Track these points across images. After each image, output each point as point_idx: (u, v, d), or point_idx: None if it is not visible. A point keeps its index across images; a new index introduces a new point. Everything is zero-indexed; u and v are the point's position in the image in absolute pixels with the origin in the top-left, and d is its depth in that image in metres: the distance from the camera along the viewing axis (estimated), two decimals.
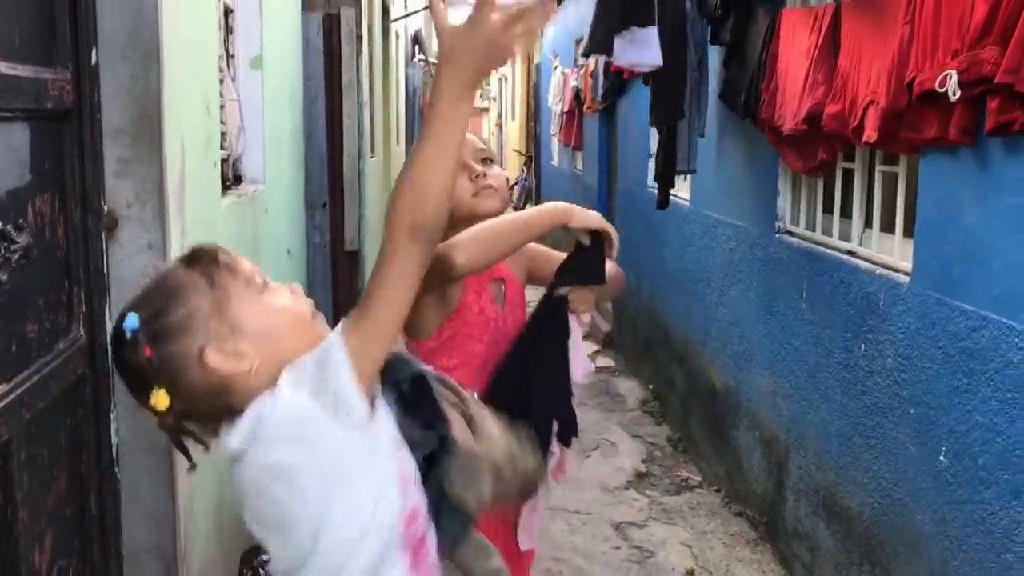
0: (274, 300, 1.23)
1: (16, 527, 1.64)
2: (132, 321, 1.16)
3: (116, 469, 2.14)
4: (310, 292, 2.90)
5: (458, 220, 1.76)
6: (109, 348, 1.31)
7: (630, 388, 6.18)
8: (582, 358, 1.91)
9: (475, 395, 1.41)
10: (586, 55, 5.43)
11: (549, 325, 1.83)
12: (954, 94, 2.19)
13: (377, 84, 7.77)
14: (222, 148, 3.23)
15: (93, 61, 2.01)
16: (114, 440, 2.13)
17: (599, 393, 6.08)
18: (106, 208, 2.09)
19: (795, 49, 3.24)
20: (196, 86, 2.56)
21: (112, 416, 2.12)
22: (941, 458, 2.39)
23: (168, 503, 2.26)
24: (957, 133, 2.26)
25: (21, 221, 1.70)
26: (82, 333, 1.99)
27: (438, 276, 1.64)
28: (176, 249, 2.22)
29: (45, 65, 1.83)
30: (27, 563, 1.71)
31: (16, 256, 1.67)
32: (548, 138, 11.83)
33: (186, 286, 1.19)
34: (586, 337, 7.59)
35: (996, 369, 2.16)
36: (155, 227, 2.19)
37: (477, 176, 1.87)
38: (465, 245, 1.69)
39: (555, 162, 11.55)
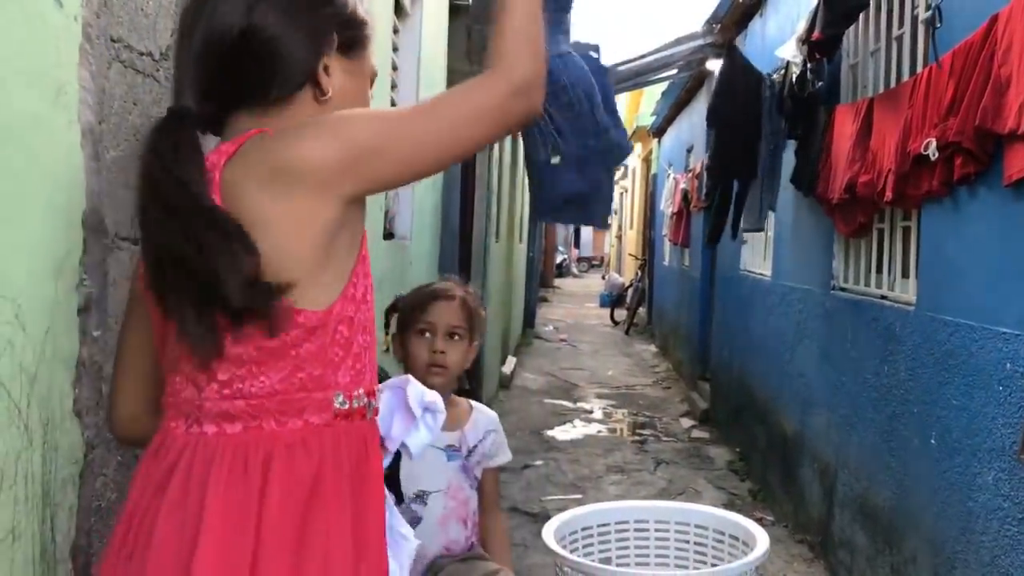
0: None
1: None
2: None
3: None
4: None
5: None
6: None
7: (720, 453, 6.74)
8: None
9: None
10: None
11: None
12: (934, 155, 2.91)
13: (505, 181, 8.83)
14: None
15: None
16: None
17: (690, 456, 6.67)
18: None
19: (843, 135, 3.98)
20: None
21: None
22: (932, 441, 3.00)
23: None
24: (938, 185, 2.96)
25: None
26: None
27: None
28: None
29: None
30: None
31: None
32: (661, 241, 12.66)
33: None
34: (685, 415, 8.13)
35: (964, 360, 2.79)
36: None
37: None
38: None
39: (666, 262, 12.33)
